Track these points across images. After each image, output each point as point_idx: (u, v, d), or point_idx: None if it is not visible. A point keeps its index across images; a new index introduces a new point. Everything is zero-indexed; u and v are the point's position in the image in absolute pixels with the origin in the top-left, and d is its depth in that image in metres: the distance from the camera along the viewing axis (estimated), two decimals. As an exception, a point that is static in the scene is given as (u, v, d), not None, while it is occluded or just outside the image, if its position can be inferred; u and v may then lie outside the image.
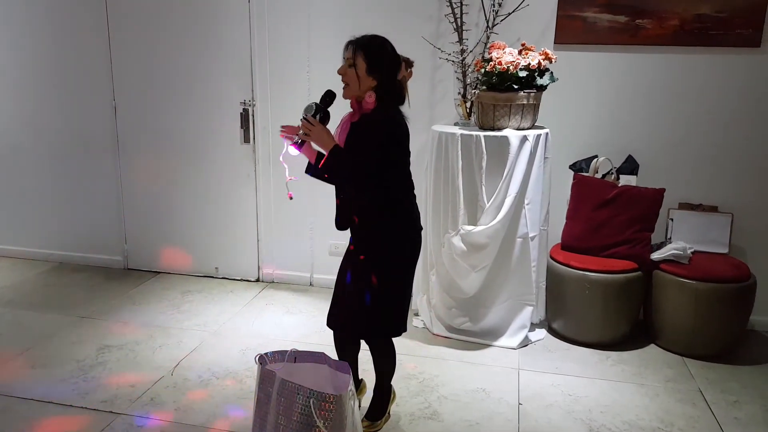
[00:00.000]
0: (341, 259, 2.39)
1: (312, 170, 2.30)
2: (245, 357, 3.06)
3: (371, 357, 2.44)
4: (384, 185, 2.16)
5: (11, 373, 2.88)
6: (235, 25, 3.75)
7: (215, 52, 3.83)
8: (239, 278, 4.12)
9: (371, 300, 2.25)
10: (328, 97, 2.22)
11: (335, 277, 2.40)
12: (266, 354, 2.10)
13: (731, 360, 3.10)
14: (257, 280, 4.11)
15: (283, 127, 2.30)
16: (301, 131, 2.18)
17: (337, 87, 3.76)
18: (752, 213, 3.36)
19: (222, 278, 4.14)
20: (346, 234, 2.37)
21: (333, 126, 2.25)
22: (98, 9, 3.93)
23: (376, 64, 2.12)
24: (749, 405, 2.72)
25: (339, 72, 2.18)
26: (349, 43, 2.16)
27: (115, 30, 3.94)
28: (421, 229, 2.33)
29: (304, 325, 3.43)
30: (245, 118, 3.86)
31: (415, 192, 2.32)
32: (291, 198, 2.44)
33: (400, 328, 2.36)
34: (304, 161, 2.32)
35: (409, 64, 2.23)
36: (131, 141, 4.09)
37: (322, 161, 2.15)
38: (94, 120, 4.11)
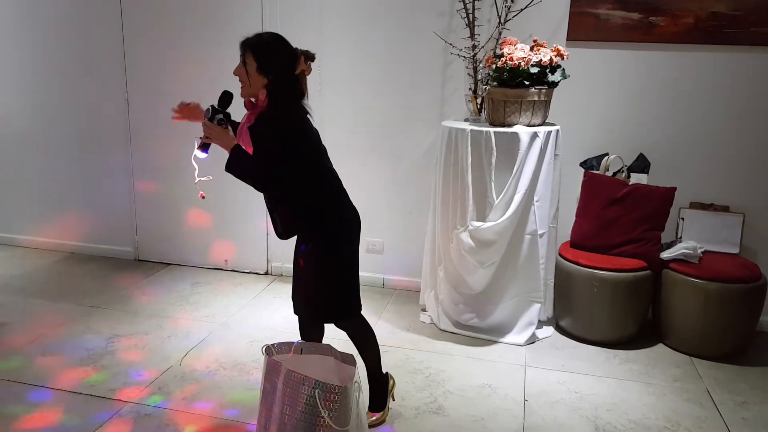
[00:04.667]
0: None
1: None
2: (252, 348, 3.08)
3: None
4: (290, 179, 2.17)
5: (23, 361, 2.92)
6: (248, 19, 3.76)
7: (227, 46, 3.80)
8: (248, 271, 4.15)
9: (317, 284, 2.30)
10: (226, 97, 2.26)
11: None
12: (273, 345, 2.12)
13: (740, 361, 3.08)
14: (266, 273, 4.14)
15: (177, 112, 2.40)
16: (204, 135, 2.23)
17: (348, 85, 3.78)
18: (764, 214, 3.33)
19: (231, 271, 4.16)
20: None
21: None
22: (112, 2, 3.96)
23: (266, 62, 2.14)
24: (757, 406, 2.71)
25: (234, 73, 2.20)
26: (241, 43, 2.18)
27: (128, 24, 3.98)
28: (353, 210, 2.35)
29: (312, 318, 3.45)
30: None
31: (340, 176, 2.35)
32: (203, 197, 2.51)
33: (352, 309, 2.39)
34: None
35: (309, 57, 2.22)
36: (143, 133, 4.12)
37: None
38: (107, 112, 4.15)
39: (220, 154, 2.24)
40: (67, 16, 4.07)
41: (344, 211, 2.33)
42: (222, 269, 4.18)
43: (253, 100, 2.23)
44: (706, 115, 3.32)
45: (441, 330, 3.33)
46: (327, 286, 2.32)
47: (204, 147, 2.28)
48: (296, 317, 2.50)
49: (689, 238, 3.23)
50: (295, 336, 2.52)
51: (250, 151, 2.19)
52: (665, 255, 3.16)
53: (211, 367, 2.90)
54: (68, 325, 3.29)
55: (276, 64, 2.15)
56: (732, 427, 2.54)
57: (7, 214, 4.55)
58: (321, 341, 2.52)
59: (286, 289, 3.88)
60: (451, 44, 3.44)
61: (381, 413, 2.49)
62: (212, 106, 2.26)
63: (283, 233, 2.34)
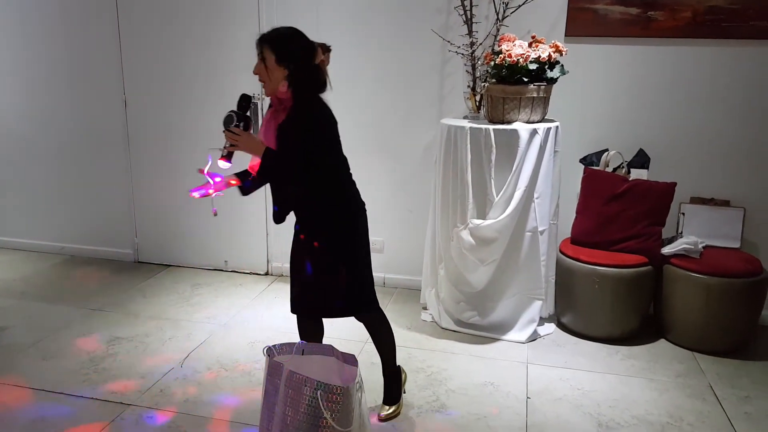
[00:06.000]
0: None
1: (249, 181, 2.27)
2: (254, 349, 3.08)
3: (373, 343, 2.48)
4: (321, 173, 2.16)
5: (23, 365, 2.91)
6: (244, 20, 3.74)
7: (224, 47, 3.83)
8: (248, 271, 4.14)
9: (335, 280, 2.29)
10: (245, 101, 2.20)
11: None
12: (274, 346, 2.11)
13: (742, 355, 3.07)
14: (266, 274, 4.13)
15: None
16: (227, 143, 2.15)
17: (346, 84, 3.76)
18: (765, 207, 3.32)
19: (231, 271, 4.16)
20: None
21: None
22: (109, 5, 3.94)
23: (285, 53, 2.11)
24: (760, 400, 2.70)
25: (254, 72, 2.17)
26: (257, 40, 2.15)
27: (125, 26, 3.96)
28: (363, 203, 2.36)
29: (313, 318, 3.44)
30: (253, 113, 3.86)
31: (352, 169, 2.35)
32: (215, 214, 2.40)
33: (373, 299, 2.40)
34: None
35: (326, 49, 2.22)
36: (141, 135, 4.11)
37: (257, 167, 2.14)
38: (104, 115, 4.14)
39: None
40: (64, 18, 4.05)
41: (358, 201, 2.35)
42: (222, 270, 4.17)
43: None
44: (706, 109, 3.31)
45: (442, 328, 3.33)
46: (351, 279, 2.31)
47: (228, 156, 2.18)
48: (295, 317, 2.50)
49: (690, 233, 3.22)
50: (296, 337, 2.52)
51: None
52: (666, 250, 3.15)
53: (212, 369, 2.90)
54: (69, 328, 3.28)
55: (294, 53, 2.12)
56: (735, 422, 2.53)
57: (7, 217, 4.54)
58: (321, 341, 2.51)
59: (287, 289, 3.85)
60: (449, 41, 3.43)
61: (396, 405, 2.53)
62: (234, 111, 2.17)
63: (307, 227, 2.31)
